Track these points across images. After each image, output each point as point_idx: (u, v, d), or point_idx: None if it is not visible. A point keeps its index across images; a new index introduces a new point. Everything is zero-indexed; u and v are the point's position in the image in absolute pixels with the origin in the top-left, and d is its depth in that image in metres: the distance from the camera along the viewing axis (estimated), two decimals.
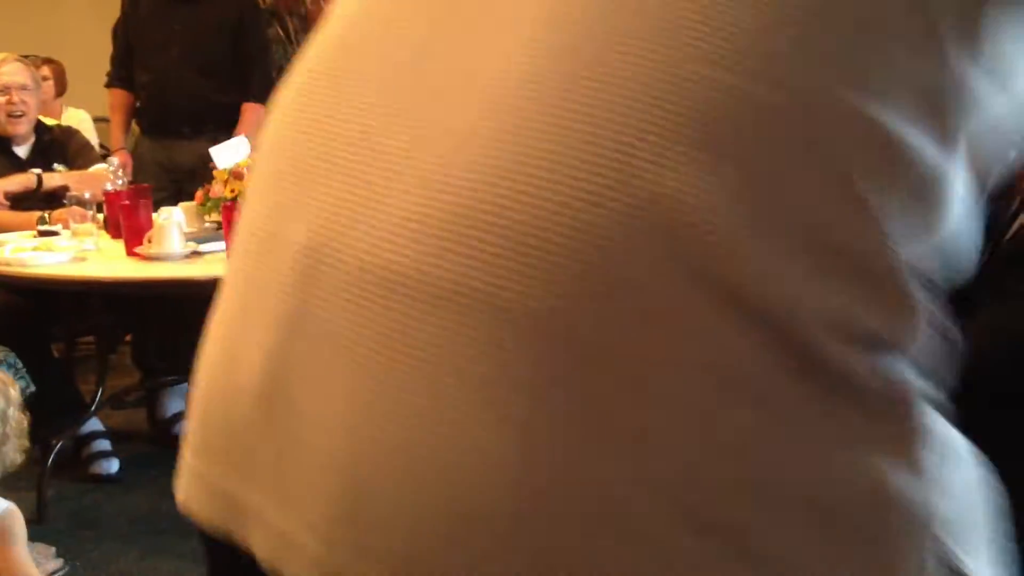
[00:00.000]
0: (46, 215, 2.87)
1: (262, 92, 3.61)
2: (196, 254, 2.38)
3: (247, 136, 3.27)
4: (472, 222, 0.45)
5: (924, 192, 0.44)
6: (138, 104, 3.62)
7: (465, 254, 0.45)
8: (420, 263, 0.46)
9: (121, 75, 3.60)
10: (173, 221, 2.40)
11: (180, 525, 0.61)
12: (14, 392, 1.67)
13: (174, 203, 2.82)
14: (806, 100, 0.42)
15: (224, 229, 2.38)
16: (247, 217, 0.59)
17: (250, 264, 0.56)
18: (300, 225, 0.52)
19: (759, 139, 0.42)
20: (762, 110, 0.42)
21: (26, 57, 3.43)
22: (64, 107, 4.53)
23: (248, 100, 3.51)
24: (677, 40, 0.43)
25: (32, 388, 2.33)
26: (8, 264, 2.41)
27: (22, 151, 3.18)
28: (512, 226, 0.44)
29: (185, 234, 2.43)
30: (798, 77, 0.43)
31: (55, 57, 4.49)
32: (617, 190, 0.42)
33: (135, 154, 3.64)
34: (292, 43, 5.75)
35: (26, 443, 1.66)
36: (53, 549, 2.28)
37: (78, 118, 4.36)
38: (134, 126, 3.72)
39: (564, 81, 0.45)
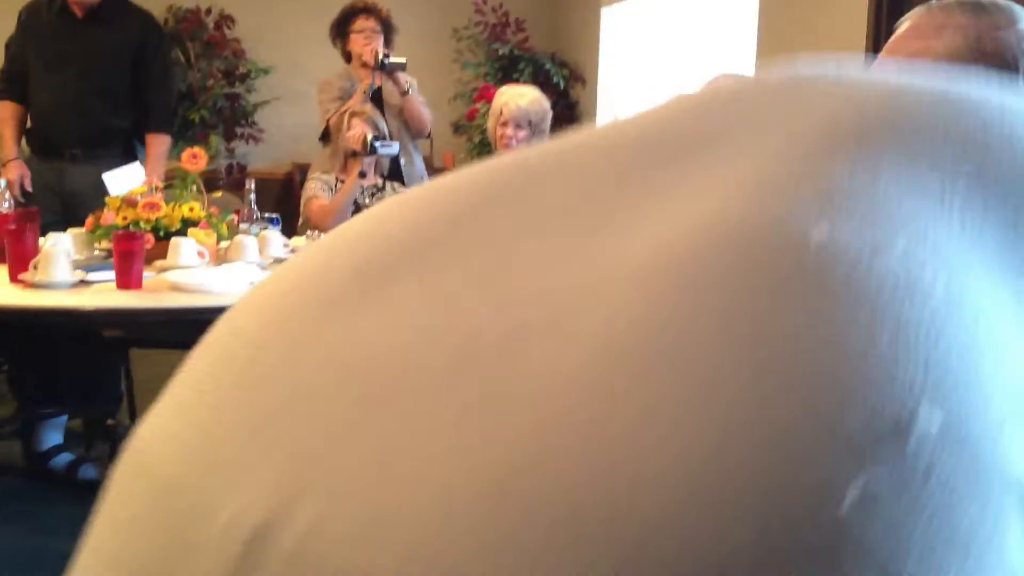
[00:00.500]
0: None
1: (164, 121, 3.56)
2: (84, 283, 2.31)
3: (155, 168, 3.22)
4: (577, 524, 0.32)
5: None
6: (29, 124, 3.52)
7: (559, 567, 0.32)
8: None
9: (11, 88, 3.49)
10: (61, 248, 2.34)
11: (53, 562, 0.61)
12: None
13: (62, 228, 2.75)
14: None
15: (114, 258, 2.33)
16: (154, 459, 0.41)
17: (154, 535, 0.38)
18: (249, 493, 0.36)
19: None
20: None
21: None
22: None
23: (151, 131, 3.46)
24: None
25: None
26: None
27: None
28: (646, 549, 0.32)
29: (73, 262, 2.36)
30: None
31: None
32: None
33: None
34: (192, 67, 5.68)
35: None
36: None
37: None
38: (23, 145, 3.61)
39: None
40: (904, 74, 0.48)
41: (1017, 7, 1.10)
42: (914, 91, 0.45)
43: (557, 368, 0.35)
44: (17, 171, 3.36)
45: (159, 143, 3.46)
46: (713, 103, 0.48)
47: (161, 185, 2.79)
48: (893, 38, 1.15)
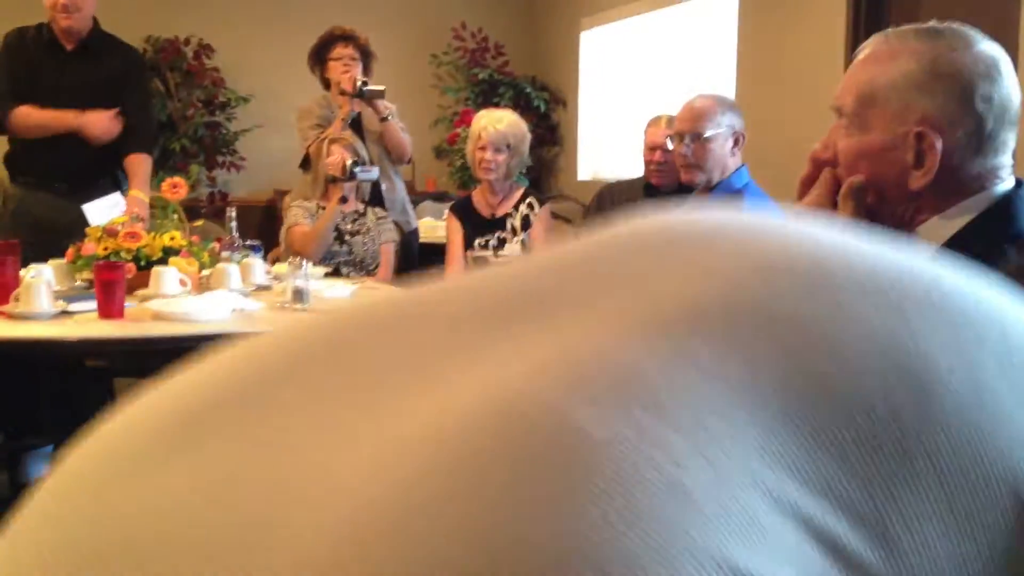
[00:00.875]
0: None
1: (144, 142, 3.57)
2: (65, 313, 2.32)
3: (144, 187, 3.22)
4: None
5: None
6: (13, 153, 3.51)
7: None
8: None
9: (6, 105, 3.45)
10: (42, 279, 2.34)
11: None
12: None
13: (44, 259, 2.76)
14: None
15: (96, 288, 2.34)
16: None
17: None
18: None
19: None
20: None
21: None
22: None
23: (131, 151, 3.46)
24: None
25: None
26: None
27: None
28: None
29: (54, 292, 2.37)
30: None
31: None
32: None
33: (5, 208, 3.52)
34: (172, 97, 5.71)
35: None
36: None
37: None
38: (4, 177, 3.61)
39: None
40: (812, 239, 0.45)
41: (974, 31, 1.14)
42: (784, 273, 0.43)
43: (287, 562, 0.35)
44: (104, 118, 3.35)
45: (142, 162, 3.46)
46: (577, 258, 0.46)
47: (147, 204, 2.79)
48: (852, 65, 1.18)
